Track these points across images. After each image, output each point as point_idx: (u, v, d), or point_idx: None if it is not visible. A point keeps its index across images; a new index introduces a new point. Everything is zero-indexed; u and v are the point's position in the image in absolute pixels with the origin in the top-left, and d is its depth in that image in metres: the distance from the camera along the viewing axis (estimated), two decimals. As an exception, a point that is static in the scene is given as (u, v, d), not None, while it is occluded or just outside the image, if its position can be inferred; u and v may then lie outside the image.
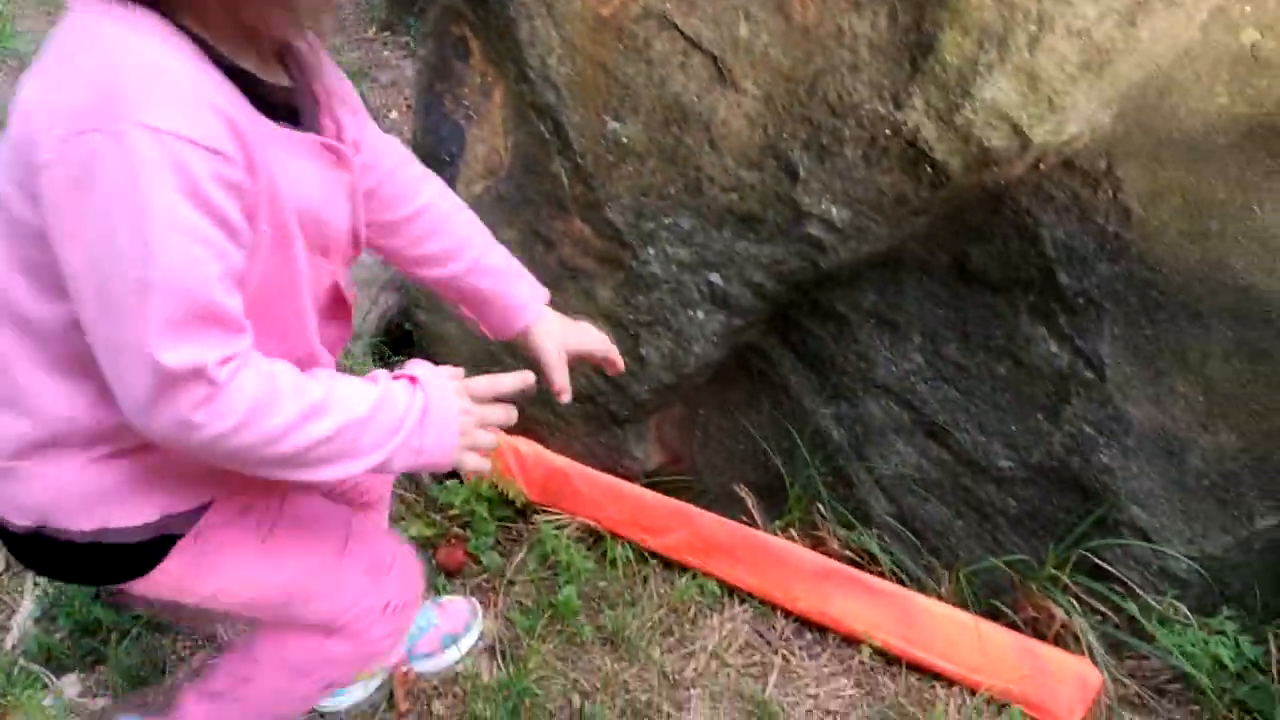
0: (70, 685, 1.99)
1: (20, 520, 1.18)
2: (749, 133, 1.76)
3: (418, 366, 1.21)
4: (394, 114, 3.62)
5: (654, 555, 2.12)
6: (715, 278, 1.89)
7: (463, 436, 1.19)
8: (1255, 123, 1.55)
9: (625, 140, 1.86)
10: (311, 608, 1.39)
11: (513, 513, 2.23)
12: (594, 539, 2.17)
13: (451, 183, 2.03)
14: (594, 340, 1.52)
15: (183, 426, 1.00)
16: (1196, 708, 1.83)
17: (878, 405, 1.94)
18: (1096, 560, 1.82)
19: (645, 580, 2.10)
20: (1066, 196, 1.66)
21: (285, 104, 1.13)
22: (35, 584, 2.10)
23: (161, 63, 0.96)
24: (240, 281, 1.04)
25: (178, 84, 0.96)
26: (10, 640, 2.02)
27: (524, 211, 2.02)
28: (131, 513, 1.19)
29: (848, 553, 2.02)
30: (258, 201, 1.03)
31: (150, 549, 1.22)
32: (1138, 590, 1.81)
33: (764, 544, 2.00)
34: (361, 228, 1.27)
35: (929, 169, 1.62)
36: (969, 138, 1.56)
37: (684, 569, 2.10)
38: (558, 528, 2.16)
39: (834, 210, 1.73)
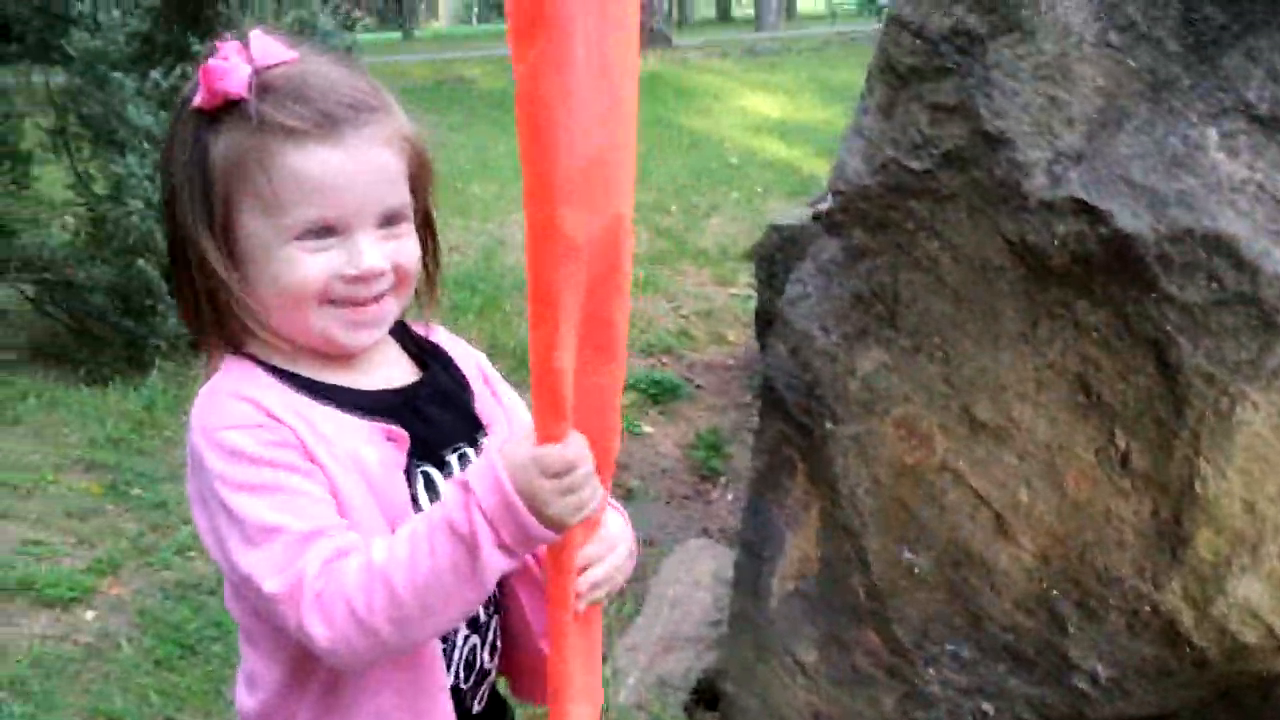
0: None
1: None
2: (1026, 583, 1.95)
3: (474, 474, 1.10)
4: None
5: None
6: (988, 707, 2.04)
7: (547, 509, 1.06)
8: None
9: (917, 570, 2.10)
10: None
11: None
12: None
13: (768, 577, 2.36)
14: None
15: (306, 636, 1.10)
16: None
17: None
18: None
19: None
20: (1336, 695, 1.70)
21: (379, 403, 1.24)
22: None
23: (222, 387, 1.17)
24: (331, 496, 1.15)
25: (224, 395, 1.17)
26: None
27: (825, 614, 2.28)
28: None
29: None
30: (305, 445, 1.15)
31: None
32: None
33: None
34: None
35: (1189, 649, 1.74)
36: (1224, 630, 1.68)
37: None
38: None
39: (1100, 668, 1.86)
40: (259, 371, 1.21)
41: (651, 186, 8.83)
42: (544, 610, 1.20)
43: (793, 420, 2.29)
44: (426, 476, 1.26)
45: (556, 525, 1.06)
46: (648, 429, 4.53)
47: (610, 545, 1.21)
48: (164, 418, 4.46)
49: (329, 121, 1.14)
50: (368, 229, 1.17)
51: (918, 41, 1.93)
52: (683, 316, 5.83)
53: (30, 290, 5.08)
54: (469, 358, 1.40)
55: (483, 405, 1.34)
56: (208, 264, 1.18)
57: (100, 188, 4.97)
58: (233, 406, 1.15)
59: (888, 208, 2.04)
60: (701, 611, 3.03)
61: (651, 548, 3.57)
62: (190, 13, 4.43)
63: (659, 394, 4.75)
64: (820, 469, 2.25)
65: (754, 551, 2.40)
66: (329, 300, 1.18)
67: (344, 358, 1.26)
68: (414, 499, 1.23)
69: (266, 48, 1.16)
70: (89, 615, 3.22)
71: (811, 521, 2.31)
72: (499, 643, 1.36)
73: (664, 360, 5.25)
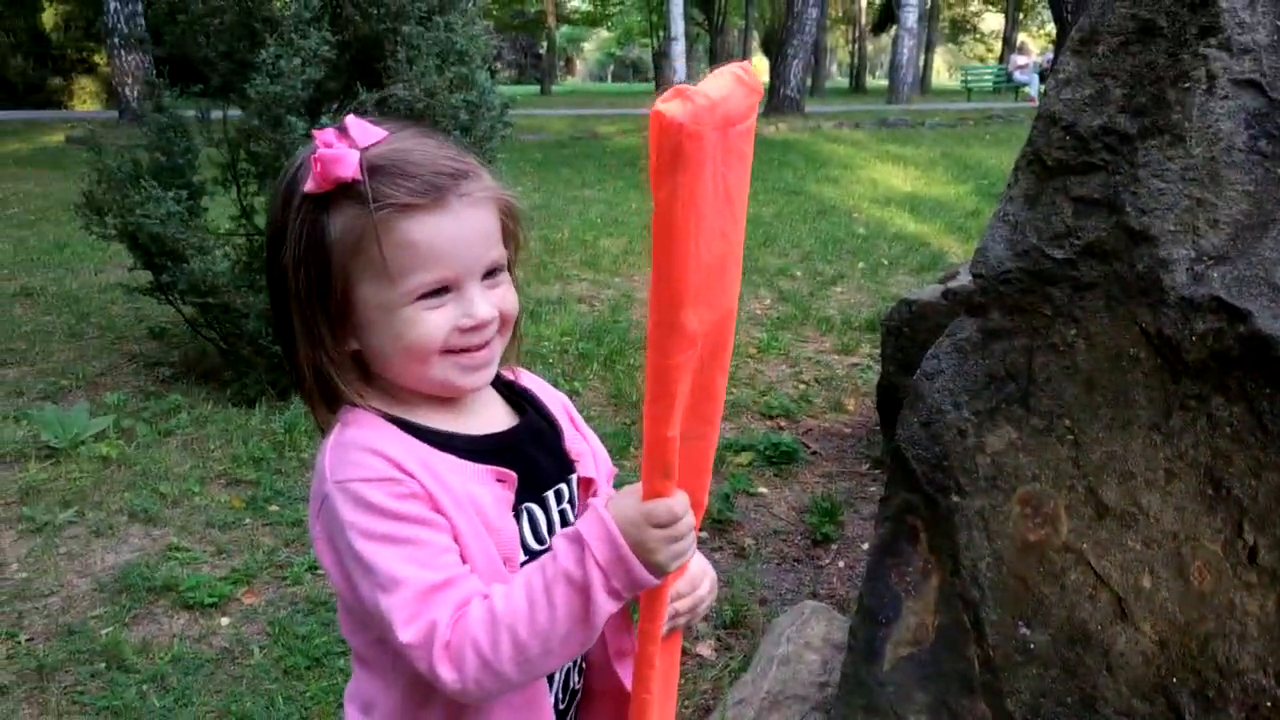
0: None
1: None
2: (1143, 668, 1.98)
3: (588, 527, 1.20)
4: (864, 545, 4.07)
5: None
6: (1098, 790, 2.06)
7: (651, 557, 1.18)
8: None
9: (1033, 646, 2.14)
10: None
11: None
12: None
13: (883, 641, 2.41)
14: None
15: (437, 680, 1.18)
16: None
17: None
18: None
19: None
20: None
21: (487, 447, 1.36)
22: None
23: (352, 440, 1.26)
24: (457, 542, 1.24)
25: (355, 449, 1.25)
26: None
27: (937, 682, 2.33)
28: None
29: None
30: (431, 494, 1.24)
31: None
32: None
33: None
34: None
35: (1308, 748, 1.75)
36: (1345, 731, 1.69)
37: None
38: None
39: (1215, 760, 1.88)
40: (383, 423, 1.30)
41: (778, 251, 8.96)
42: (618, 630, 1.40)
43: (919, 490, 2.36)
44: (530, 513, 1.38)
45: (660, 571, 1.18)
46: (763, 490, 4.59)
47: (694, 583, 1.37)
48: (302, 441, 4.71)
49: (435, 191, 1.24)
50: (476, 282, 1.29)
51: (1068, 137, 2.01)
52: (803, 382, 5.90)
53: (189, 312, 5.41)
54: (554, 398, 1.54)
55: (571, 443, 1.48)
56: (322, 333, 1.29)
57: (261, 220, 5.30)
58: (364, 459, 1.25)
59: (1027, 292, 2.12)
60: (810, 673, 3.08)
61: (762, 606, 3.63)
62: (363, 64, 4.73)
63: (776, 456, 4.81)
64: (943, 540, 2.31)
65: (870, 615, 2.46)
66: (447, 350, 1.29)
67: (454, 405, 1.37)
68: (521, 535, 1.35)
69: (364, 130, 1.27)
70: (224, 621, 3.42)
71: (930, 590, 2.37)
72: (585, 664, 1.48)
73: (782, 424, 5.32)
